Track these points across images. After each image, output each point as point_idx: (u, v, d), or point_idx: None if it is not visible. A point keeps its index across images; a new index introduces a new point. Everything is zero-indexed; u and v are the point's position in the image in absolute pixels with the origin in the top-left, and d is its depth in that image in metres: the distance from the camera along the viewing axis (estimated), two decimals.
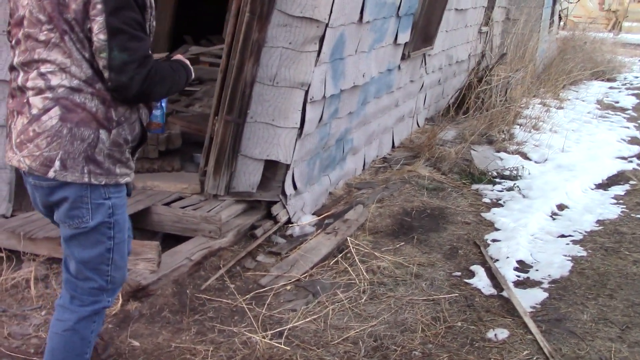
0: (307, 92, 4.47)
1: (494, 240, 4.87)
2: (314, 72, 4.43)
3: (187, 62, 2.56)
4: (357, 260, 4.28)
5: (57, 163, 2.27)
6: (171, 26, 9.56)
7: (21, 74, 2.33)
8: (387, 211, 5.33)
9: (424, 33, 6.88)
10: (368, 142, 6.47)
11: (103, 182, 2.33)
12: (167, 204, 4.49)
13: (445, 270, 4.32)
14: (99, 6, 2.18)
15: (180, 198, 4.62)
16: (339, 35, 4.64)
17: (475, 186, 6.19)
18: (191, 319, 3.56)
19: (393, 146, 7.39)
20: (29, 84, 2.30)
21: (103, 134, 2.30)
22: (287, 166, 4.66)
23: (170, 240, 4.34)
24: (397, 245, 4.64)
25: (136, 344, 3.31)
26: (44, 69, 2.27)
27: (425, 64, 7.51)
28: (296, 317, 3.60)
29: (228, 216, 4.56)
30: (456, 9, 8.01)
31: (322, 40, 4.37)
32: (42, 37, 2.26)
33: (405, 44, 6.36)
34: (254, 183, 4.66)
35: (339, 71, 4.88)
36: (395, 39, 5.98)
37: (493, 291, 4.05)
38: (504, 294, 4.00)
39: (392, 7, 5.55)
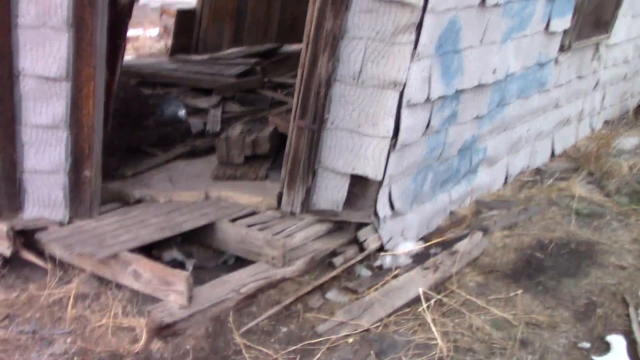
0: (402, 94, 3.59)
1: None
2: (411, 68, 3.53)
3: None
4: (448, 310, 3.33)
5: None
6: None
7: None
8: (515, 242, 4.25)
9: (595, 18, 5.53)
10: (512, 150, 5.35)
11: None
12: (237, 219, 3.89)
13: (569, 338, 3.20)
14: None
15: (254, 213, 4.00)
16: (448, 22, 3.66)
17: None
18: None
19: (553, 155, 6.13)
20: None
21: None
22: (380, 182, 3.82)
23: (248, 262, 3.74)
24: (512, 293, 3.59)
25: None
26: None
27: (599, 56, 6.10)
28: None
29: (304, 238, 3.85)
30: None
31: (419, 28, 3.45)
32: None
33: (565, 31, 5.11)
34: (338, 201, 3.89)
35: (452, 67, 3.90)
36: (547, 25, 4.79)
37: None
38: None
39: None
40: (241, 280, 3.41)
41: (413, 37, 3.46)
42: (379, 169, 3.74)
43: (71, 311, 3.39)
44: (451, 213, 4.67)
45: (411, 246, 4.09)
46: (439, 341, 3.04)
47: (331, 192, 3.86)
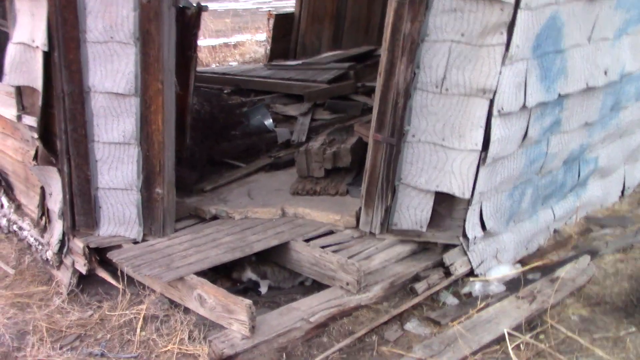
0: (492, 102, 3.19)
1: None
2: (502, 73, 3.13)
3: None
4: (544, 350, 2.90)
5: None
6: None
7: None
8: (630, 268, 3.70)
9: None
10: (630, 159, 4.75)
11: None
12: (312, 238, 3.65)
13: None
14: None
15: (331, 232, 3.74)
16: (547, 19, 3.21)
17: None
18: None
19: None
20: None
21: None
22: (469, 200, 3.44)
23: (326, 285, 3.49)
24: (623, 332, 3.08)
25: None
26: None
27: None
28: None
29: (384, 261, 3.54)
30: None
31: (511, 27, 3.04)
32: None
33: None
34: (421, 220, 3.54)
35: (553, 70, 3.44)
36: None
37: None
38: None
39: None
40: (311, 308, 3.16)
41: (504, 37, 3.06)
42: (467, 185, 3.36)
43: (140, 334, 3.29)
44: (555, 232, 4.18)
45: (506, 270, 3.67)
46: None
47: (413, 211, 3.52)
